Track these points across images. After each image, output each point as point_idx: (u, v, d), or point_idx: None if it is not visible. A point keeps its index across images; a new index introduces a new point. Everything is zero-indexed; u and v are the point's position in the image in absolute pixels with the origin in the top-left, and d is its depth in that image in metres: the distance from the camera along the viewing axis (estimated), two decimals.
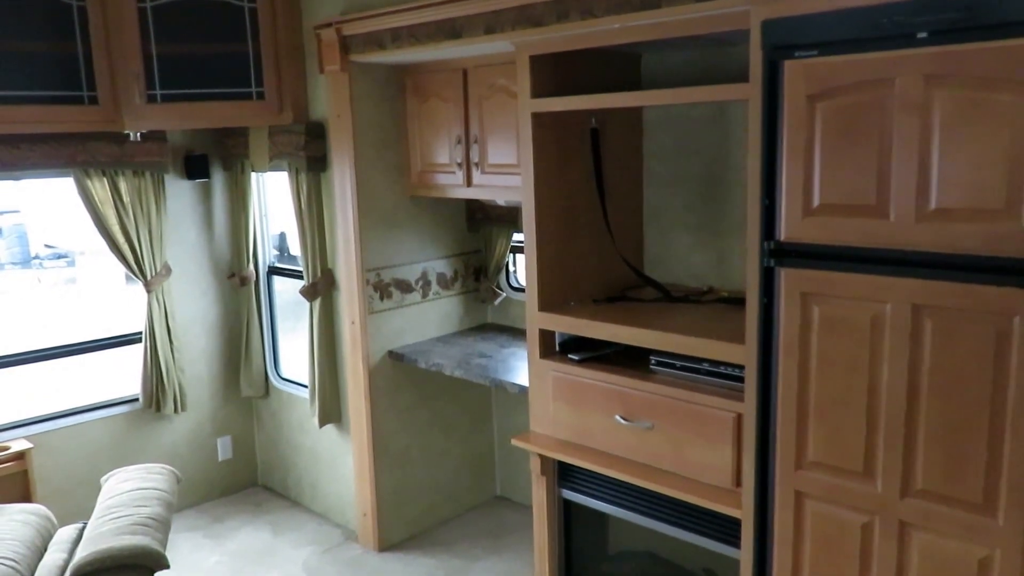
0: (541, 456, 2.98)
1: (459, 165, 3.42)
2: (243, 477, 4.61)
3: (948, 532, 1.97)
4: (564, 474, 3.01)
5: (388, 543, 3.90)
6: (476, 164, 3.36)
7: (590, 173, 3.00)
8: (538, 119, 2.82)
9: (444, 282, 3.98)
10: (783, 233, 2.10)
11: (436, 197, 3.71)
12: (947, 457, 1.93)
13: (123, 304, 6.43)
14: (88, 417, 4.06)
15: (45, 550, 3.06)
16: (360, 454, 3.83)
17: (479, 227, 3.99)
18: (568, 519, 3.09)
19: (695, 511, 2.59)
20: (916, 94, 1.85)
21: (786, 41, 2.03)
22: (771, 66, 2.06)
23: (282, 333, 4.55)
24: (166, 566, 2.79)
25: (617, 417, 2.71)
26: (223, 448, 4.51)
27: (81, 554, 2.78)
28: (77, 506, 3.83)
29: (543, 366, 2.96)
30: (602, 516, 3.00)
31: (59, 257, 11.42)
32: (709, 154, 3.01)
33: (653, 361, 2.71)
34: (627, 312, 2.85)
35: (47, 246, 11.46)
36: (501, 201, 3.65)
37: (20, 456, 3.69)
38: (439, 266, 3.95)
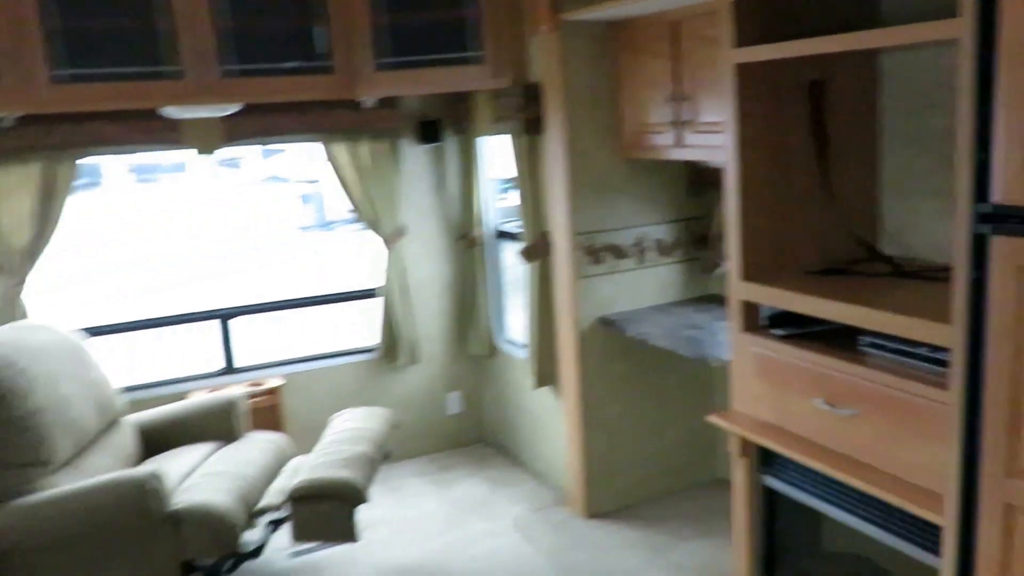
0: (740, 437, 2.77)
1: (670, 124, 3.24)
2: (470, 433, 4.80)
3: None
4: (765, 459, 2.77)
5: (596, 511, 3.86)
6: (687, 123, 3.16)
7: (810, 133, 2.70)
8: (744, 71, 2.56)
9: (662, 249, 3.81)
10: (998, 194, 1.72)
11: (652, 159, 3.55)
12: None
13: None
14: (333, 363, 4.46)
15: (279, 473, 3.43)
16: (570, 419, 3.83)
17: (701, 192, 3.77)
18: (772, 508, 2.85)
19: (897, 512, 2.25)
20: None
21: None
22: None
23: (513, 296, 4.65)
24: (365, 500, 3.00)
25: (818, 401, 2.44)
26: (452, 403, 4.73)
27: (296, 481, 3.07)
28: (317, 439, 4.20)
29: (744, 340, 2.74)
30: (812, 509, 2.71)
31: (353, 221, 12.87)
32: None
33: (863, 342, 2.39)
34: (841, 286, 2.52)
35: (345, 211, 12.93)
36: (718, 163, 3.41)
37: (273, 391, 4.16)
38: (657, 232, 3.79)
